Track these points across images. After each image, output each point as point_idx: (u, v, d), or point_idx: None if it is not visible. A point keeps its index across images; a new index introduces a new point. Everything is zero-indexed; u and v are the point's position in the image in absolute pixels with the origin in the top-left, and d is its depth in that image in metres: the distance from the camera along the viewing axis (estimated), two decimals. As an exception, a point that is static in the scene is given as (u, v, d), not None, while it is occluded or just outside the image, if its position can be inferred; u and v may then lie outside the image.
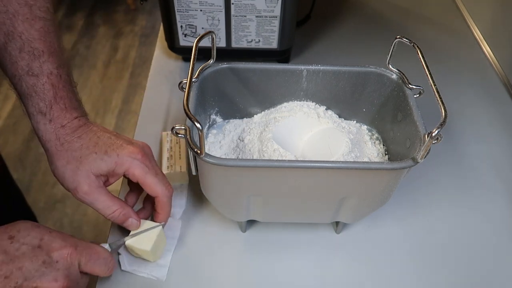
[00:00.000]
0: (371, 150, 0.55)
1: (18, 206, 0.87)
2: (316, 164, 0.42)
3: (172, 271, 0.51)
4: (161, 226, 0.49)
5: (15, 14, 0.45)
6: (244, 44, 0.73)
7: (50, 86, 0.46)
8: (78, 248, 0.42)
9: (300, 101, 0.57)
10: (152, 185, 0.48)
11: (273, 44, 0.74)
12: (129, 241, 0.48)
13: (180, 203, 0.57)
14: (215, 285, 0.50)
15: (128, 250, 0.50)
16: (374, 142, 0.57)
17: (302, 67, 0.54)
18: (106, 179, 0.48)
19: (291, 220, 0.54)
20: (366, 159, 0.53)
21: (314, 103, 0.57)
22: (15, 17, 0.45)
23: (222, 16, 0.69)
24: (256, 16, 0.69)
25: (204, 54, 0.59)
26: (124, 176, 0.49)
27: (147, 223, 0.50)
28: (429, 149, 0.42)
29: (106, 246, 0.47)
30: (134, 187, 0.53)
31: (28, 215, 0.89)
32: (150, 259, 0.50)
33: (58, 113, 0.46)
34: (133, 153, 0.47)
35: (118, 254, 0.51)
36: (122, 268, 0.50)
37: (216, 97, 0.56)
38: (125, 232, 0.51)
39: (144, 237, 0.49)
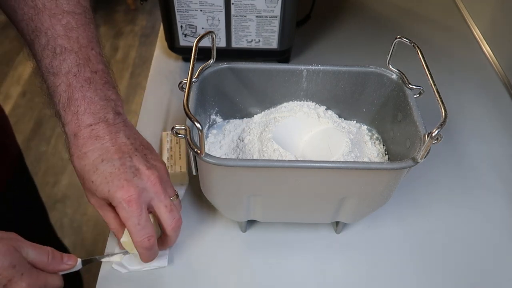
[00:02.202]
0: (371, 150, 0.55)
1: (33, 199, 0.85)
2: (316, 164, 0.42)
3: (172, 271, 0.51)
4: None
5: (43, 9, 0.44)
6: (244, 44, 0.73)
7: (66, 86, 0.43)
8: None
9: (300, 101, 0.57)
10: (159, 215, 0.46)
11: (273, 44, 0.74)
12: (124, 238, 0.47)
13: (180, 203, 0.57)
14: (215, 285, 0.50)
15: (124, 246, 0.49)
16: (374, 142, 0.57)
17: (302, 67, 0.54)
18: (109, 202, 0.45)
19: (291, 220, 0.54)
20: (366, 159, 0.53)
21: (314, 103, 0.57)
22: (42, 12, 0.44)
23: (222, 16, 0.69)
24: (256, 16, 0.69)
25: (204, 54, 0.59)
26: None
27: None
28: (429, 149, 0.42)
29: (79, 261, 0.46)
30: None
31: (39, 207, 0.89)
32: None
33: (69, 117, 0.44)
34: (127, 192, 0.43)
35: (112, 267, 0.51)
36: (123, 271, 0.50)
37: (216, 97, 0.56)
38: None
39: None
